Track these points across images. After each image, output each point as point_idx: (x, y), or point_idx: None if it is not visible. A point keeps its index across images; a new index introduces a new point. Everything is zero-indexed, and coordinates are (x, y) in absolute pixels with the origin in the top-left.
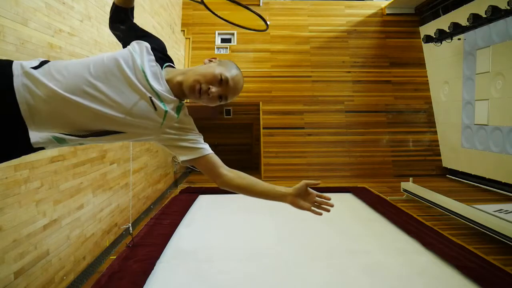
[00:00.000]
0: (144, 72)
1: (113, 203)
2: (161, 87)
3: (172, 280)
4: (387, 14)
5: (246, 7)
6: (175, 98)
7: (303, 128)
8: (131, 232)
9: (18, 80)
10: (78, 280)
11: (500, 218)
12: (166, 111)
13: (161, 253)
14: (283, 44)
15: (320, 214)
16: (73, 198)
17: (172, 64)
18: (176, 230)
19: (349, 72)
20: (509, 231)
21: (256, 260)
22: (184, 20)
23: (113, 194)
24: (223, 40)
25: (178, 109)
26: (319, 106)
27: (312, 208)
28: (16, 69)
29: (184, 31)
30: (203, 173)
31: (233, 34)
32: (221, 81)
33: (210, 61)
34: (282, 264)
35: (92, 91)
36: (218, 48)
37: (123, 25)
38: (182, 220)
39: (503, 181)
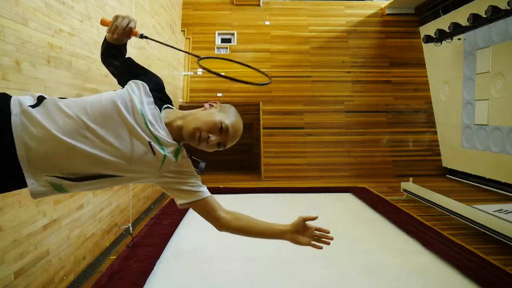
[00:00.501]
0: (143, 116)
1: (113, 203)
2: (160, 131)
3: (172, 280)
4: (387, 14)
5: (250, 66)
6: (174, 142)
7: (303, 128)
8: (131, 232)
9: (16, 119)
10: (78, 280)
11: (500, 218)
12: (164, 156)
13: (161, 253)
14: (283, 44)
15: (321, 248)
16: (73, 198)
17: (170, 106)
18: (176, 230)
19: (349, 72)
20: (509, 231)
21: (256, 260)
22: (184, 20)
23: (113, 194)
24: (223, 40)
25: (176, 153)
26: (319, 106)
27: (312, 242)
28: (14, 106)
29: (184, 31)
30: (201, 216)
31: (233, 34)
32: (221, 129)
33: (211, 106)
34: (282, 264)
35: (89, 134)
36: (218, 48)
37: (117, 60)
38: (182, 220)
39: (503, 181)
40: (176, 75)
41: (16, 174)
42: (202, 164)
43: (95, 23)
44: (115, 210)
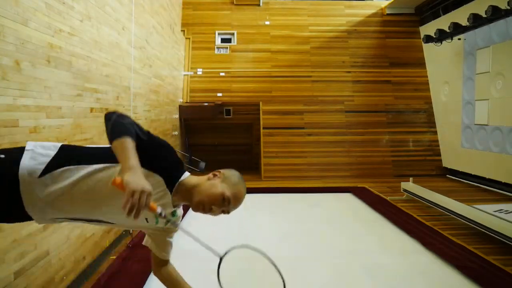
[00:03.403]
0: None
1: None
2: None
3: None
4: (387, 14)
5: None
6: (168, 218)
7: (303, 128)
8: (131, 232)
9: (23, 188)
10: (78, 280)
11: (500, 218)
12: (156, 224)
13: None
14: (283, 44)
15: None
16: None
17: (179, 177)
18: None
19: (349, 72)
20: (509, 231)
21: (256, 260)
22: (184, 20)
23: None
24: (223, 40)
25: (167, 222)
26: (319, 106)
27: None
28: (22, 175)
29: (184, 31)
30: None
31: (233, 34)
32: (224, 200)
33: (215, 175)
34: (282, 264)
35: (97, 214)
36: (218, 48)
37: None
38: (182, 220)
39: (503, 181)
40: (176, 75)
41: (23, 215)
42: (202, 164)
43: (95, 23)
44: None
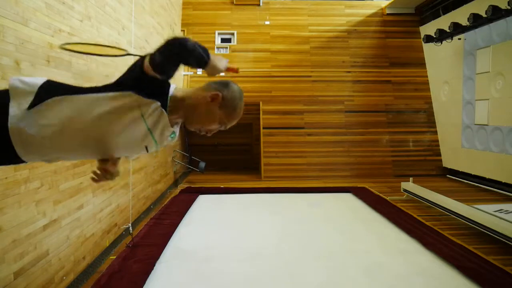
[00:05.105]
0: (154, 139)
1: (113, 203)
2: (164, 138)
3: (172, 280)
4: (387, 14)
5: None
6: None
7: (303, 128)
8: (131, 232)
9: (13, 121)
10: (78, 280)
11: (500, 218)
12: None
13: (161, 253)
14: (283, 44)
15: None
16: (73, 198)
17: (167, 94)
18: (176, 230)
19: (349, 72)
20: (509, 231)
21: (256, 260)
22: (184, 20)
23: (113, 194)
24: (223, 40)
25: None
26: (319, 106)
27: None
28: (12, 107)
29: (184, 31)
30: None
31: (233, 34)
32: (221, 126)
33: (213, 99)
34: (282, 264)
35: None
36: (218, 48)
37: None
38: (182, 220)
39: (503, 181)
40: (176, 75)
41: (12, 156)
42: (202, 164)
43: (95, 23)
44: (115, 210)
